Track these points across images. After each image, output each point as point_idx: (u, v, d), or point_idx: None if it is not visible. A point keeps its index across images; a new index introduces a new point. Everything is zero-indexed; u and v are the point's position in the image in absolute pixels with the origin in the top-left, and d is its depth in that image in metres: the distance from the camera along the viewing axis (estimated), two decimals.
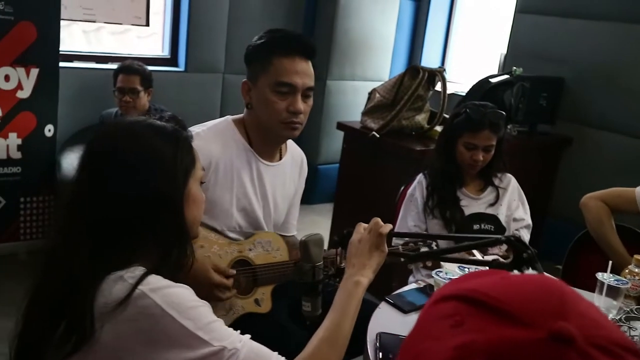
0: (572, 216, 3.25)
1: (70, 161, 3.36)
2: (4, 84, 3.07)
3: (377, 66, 4.81)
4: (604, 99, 3.71)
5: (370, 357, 1.43)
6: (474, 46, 5.01)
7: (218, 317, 1.11)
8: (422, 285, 1.86)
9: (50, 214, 3.41)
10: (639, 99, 3.54)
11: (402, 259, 1.55)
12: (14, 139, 3.19)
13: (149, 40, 4.38)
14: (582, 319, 0.48)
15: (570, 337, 0.45)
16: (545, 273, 1.57)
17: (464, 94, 3.83)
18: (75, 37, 4.29)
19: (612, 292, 1.72)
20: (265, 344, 1.13)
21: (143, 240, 1.09)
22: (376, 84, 3.54)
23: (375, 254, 1.30)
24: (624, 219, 2.35)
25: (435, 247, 1.83)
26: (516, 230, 2.44)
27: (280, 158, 1.88)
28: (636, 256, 1.86)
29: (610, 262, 1.78)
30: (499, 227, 2.38)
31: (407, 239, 1.77)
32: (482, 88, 3.54)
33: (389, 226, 1.34)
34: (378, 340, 1.46)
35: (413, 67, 3.32)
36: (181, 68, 4.14)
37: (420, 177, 2.42)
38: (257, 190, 1.82)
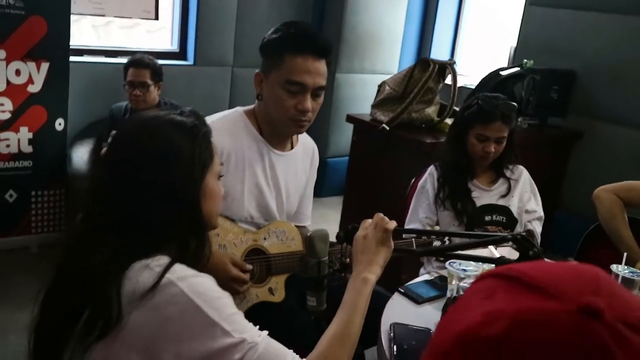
0: (583, 210, 3.24)
1: (80, 155, 3.37)
2: (15, 78, 3.08)
3: (386, 59, 4.79)
4: (615, 93, 3.68)
5: (385, 348, 1.43)
6: (484, 39, 4.98)
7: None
8: (433, 277, 1.85)
9: (61, 207, 3.42)
10: None
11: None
12: (25, 133, 3.20)
13: (158, 34, 4.39)
14: (614, 299, 0.48)
15: (598, 310, 0.45)
16: None
17: (473, 86, 3.81)
18: (84, 31, 4.31)
19: (627, 284, 1.70)
20: (276, 333, 1.14)
21: (162, 232, 1.11)
22: (385, 77, 3.53)
23: (382, 250, 1.31)
24: (636, 212, 2.34)
25: (447, 241, 1.84)
26: (528, 222, 2.43)
27: (292, 147, 1.88)
28: None
29: (625, 253, 1.77)
30: (511, 219, 2.37)
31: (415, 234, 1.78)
32: (493, 81, 3.52)
33: (394, 222, 1.35)
34: (392, 331, 1.46)
35: (423, 59, 3.30)
36: (190, 62, 4.14)
37: (431, 168, 2.42)
38: (270, 180, 1.82)
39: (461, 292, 1.52)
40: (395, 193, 2.84)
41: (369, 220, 1.36)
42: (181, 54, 4.15)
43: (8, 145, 3.17)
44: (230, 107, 3.35)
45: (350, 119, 3.60)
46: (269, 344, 1.08)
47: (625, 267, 1.75)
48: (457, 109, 2.82)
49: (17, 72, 3.08)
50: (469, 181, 2.37)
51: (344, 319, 1.21)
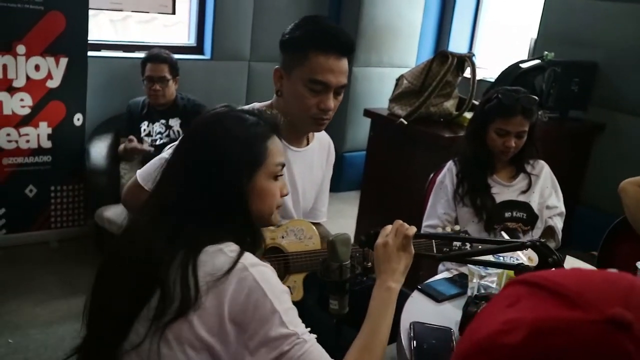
0: (605, 204, 3.20)
1: (98, 150, 3.39)
2: (34, 73, 3.10)
3: (404, 52, 4.75)
4: (637, 84, 3.60)
5: (405, 347, 1.41)
6: (503, 31, 4.91)
7: None
8: (452, 275, 1.82)
9: (80, 202, 3.45)
10: None
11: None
12: (44, 129, 3.22)
13: (175, 29, 4.39)
14: None
15: (626, 322, 0.44)
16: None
17: (492, 79, 3.76)
18: (102, 26, 4.32)
19: None
20: None
21: (222, 225, 1.17)
22: (403, 71, 3.50)
23: (403, 257, 1.33)
24: None
25: (467, 246, 1.82)
26: (549, 218, 2.39)
27: (308, 144, 1.87)
28: None
29: None
30: (531, 215, 2.34)
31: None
32: (513, 73, 3.46)
33: (414, 228, 1.35)
34: (412, 330, 1.44)
35: (442, 52, 3.26)
36: (207, 56, 4.14)
37: (450, 164, 2.39)
38: (286, 177, 1.81)
39: (482, 291, 1.50)
40: (413, 188, 2.81)
41: (389, 227, 1.37)
42: (198, 48, 4.15)
43: (28, 141, 3.20)
44: (247, 101, 3.36)
45: (367, 113, 3.57)
46: (314, 345, 1.13)
47: None
48: (476, 102, 2.78)
49: (37, 68, 3.10)
50: (489, 176, 2.34)
51: (371, 329, 1.23)
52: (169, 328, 1.08)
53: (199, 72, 4.00)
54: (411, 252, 1.34)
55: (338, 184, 4.69)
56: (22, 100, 3.11)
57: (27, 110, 3.14)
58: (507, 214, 2.33)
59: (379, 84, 4.58)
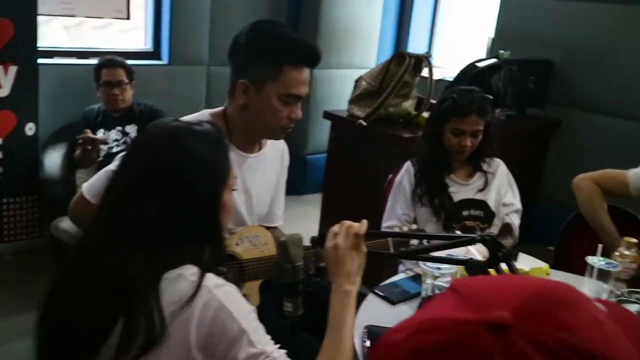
0: (563, 200, 3.23)
1: (53, 159, 3.31)
2: None
3: (364, 54, 4.76)
4: (593, 81, 3.68)
5: (357, 351, 1.40)
6: (462, 31, 4.96)
7: None
8: (410, 275, 1.82)
9: (34, 214, 3.35)
10: (628, 80, 3.51)
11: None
12: None
13: (131, 34, 4.32)
14: (539, 317, 0.46)
15: (501, 324, 0.45)
16: (521, 270, 1.53)
17: (452, 79, 3.79)
18: (56, 32, 4.22)
19: (603, 275, 1.69)
20: None
21: (184, 242, 1.14)
22: (363, 72, 3.50)
23: (356, 257, 1.30)
24: (616, 200, 2.33)
25: (425, 242, 1.82)
26: (506, 215, 2.42)
27: (260, 149, 1.85)
28: (626, 238, 1.84)
29: (600, 245, 1.75)
30: (489, 213, 2.36)
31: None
32: (470, 73, 3.50)
33: (364, 225, 1.33)
34: (366, 334, 1.43)
35: (399, 53, 3.28)
36: (165, 61, 4.08)
37: (407, 164, 2.39)
38: (239, 184, 1.78)
39: (436, 291, 1.50)
40: (375, 188, 2.81)
41: (336, 228, 1.34)
42: (155, 53, 4.09)
43: None
44: (206, 106, 3.31)
45: (327, 115, 3.57)
46: None
47: (601, 258, 1.73)
48: (435, 102, 2.80)
49: None
50: (446, 176, 2.35)
51: (335, 337, 1.22)
52: None
53: (157, 77, 3.94)
54: (363, 250, 1.31)
55: (301, 187, 4.68)
56: None
57: None
58: (465, 213, 2.34)
59: (340, 85, 4.58)
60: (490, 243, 1.05)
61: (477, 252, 1.84)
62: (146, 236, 1.11)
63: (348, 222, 1.33)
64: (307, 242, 1.43)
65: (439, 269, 1.52)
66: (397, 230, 2.13)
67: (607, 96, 3.61)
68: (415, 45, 4.95)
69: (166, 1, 4.01)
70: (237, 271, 1.71)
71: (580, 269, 1.80)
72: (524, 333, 0.44)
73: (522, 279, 0.53)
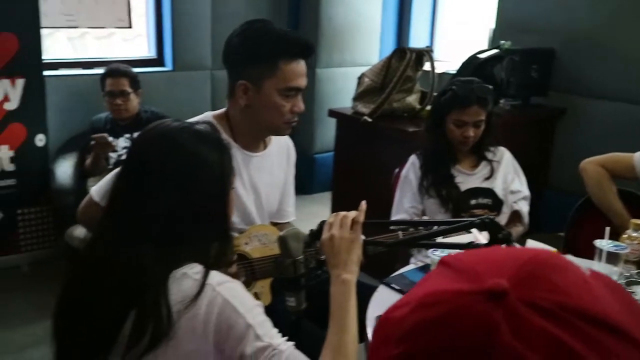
0: (571, 187, 3.24)
1: (64, 169, 3.35)
2: None
3: (366, 50, 4.77)
4: (595, 67, 3.67)
5: (370, 340, 1.42)
6: (463, 23, 4.97)
7: None
8: (418, 266, 1.84)
9: (49, 224, 3.40)
10: (631, 65, 3.50)
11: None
12: (5, 151, 3.18)
13: (135, 43, 4.36)
14: (534, 282, 0.48)
15: (499, 291, 0.46)
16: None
17: (454, 72, 3.80)
18: (61, 44, 4.28)
19: (612, 258, 1.71)
20: None
21: (194, 240, 1.17)
22: (365, 69, 3.52)
23: (352, 247, 1.29)
24: (624, 183, 2.34)
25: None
26: (514, 202, 2.43)
27: (265, 147, 1.87)
28: (634, 220, 1.85)
29: (608, 228, 1.76)
30: (496, 201, 2.37)
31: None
32: (472, 65, 3.50)
33: (362, 212, 1.33)
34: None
35: (399, 48, 3.30)
36: (169, 67, 4.12)
37: (413, 158, 2.41)
38: (246, 183, 1.81)
39: None
40: (383, 184, 2.83)
41: (331, 219, 1.34)
42: (159, 60, 4.12)
43: None
44: (213, 110, 3.34)
45: (332, 113, 3.59)
46: (292, 353, 1.13)
47: (610, 241, 1.74)
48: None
49: None
50: (452, 167, 2.37)
51: (338, 327, 1.22)
52: None
53: (162, 84, 3.98)
54: (360, 239, 1.31)
55: (310, 186, 4.70)
56: None
57: None
58: (473, 202, 2.36)
59: (344, 83, 4.59)
60: (490, 225, 1.07)
61: (484, 238, 1.86)
62: (156, 233, 1.13)
63: (343, 213, 1.34)
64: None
65: None
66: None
67: (610, 82, 3.60)
68: (417, 39, 4.96)
69: (167, 8, 4.04)
70: (247, 270, 1.74)
71: (590, 253, 1.81)
72: (522, 298, 0.46)
73: (512, 250, 0.55)
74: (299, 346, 1.18)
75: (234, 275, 1.67)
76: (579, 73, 3.73)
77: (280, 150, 1.96)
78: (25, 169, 3.25)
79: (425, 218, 2.12)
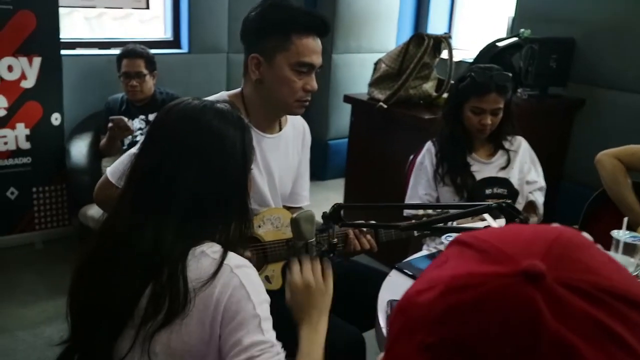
0: (588, 179, 3.20)
1: (79, 149, 3.36)
2: (7, 74, 3.07)
3: (383, 36, 4.73)
4: (616, 58, 3.60)
5: (382, 327, 1.41)
6: (482, 10, 4.90)
7: None
8: (431, 252, 1.82)
9: (63, 202, 3.42)
10: None
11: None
12: (22, 130, 3.19)
13: (152, 24, 4.35)
14: (563, 261, 0.46)
15: (537, 274, 0.44)
16: None
17: (472, 60, 3.76)
18: (77, 24, 4.27)
19: (629, 249, 1.68)
20: (277, 321, 1.16)
21: (215, 218, 1.17)
22: (382, 55, 3.48)
23: (327, 297, 1.28)
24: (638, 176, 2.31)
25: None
26: (530, 193, 2.40)
27: (280, 129, 1.86)
28: None
29: (626, 218, 1.74)
30: (512, 191, 2.35)
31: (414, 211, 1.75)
32: (490, 53, 3.46)
33: (330, 268, 1.30)
34: (389, 308, 1.44)
35: (418, 34, 3.26)
36: (185, 50, 4.11)
37: (428, 144, 2.39)
38: (260, 164, 1.80)
39: None
40: (397, 171, 2.81)
41: (296, 265, 1.30)
42: (175, 42, 4.11)
43: (6, 143, 3.17)
44: None
45: (347, 99, 3.56)
46: (282, 358, 1.13)
47: (627, 232, 1.72)
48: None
49: (10, 68, 3.06)
50: (468, 155, 2.35)
51: None
52: (157, 340, 1.07)
53: (177, 66, 3.97)
54: (330, 291, 1.29)
55: (324, 172, 4.69)
56: None
57: (2, 112, 3.11)
58: (488, 191, 2.34)
59: (360, 69, 4.56)
60: (507, 210, 1.05)
61: (498, 225, 1.84)
62: (178, 209, 1.13)
63: (312, 262, 1.30)
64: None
65: None
66: (421, 211, 2.13)
67: (631, 73, 3.54)
68: (435, 26, 4.90)
69: None
70: (259, 253, 1.74)
71: (605, 246, 1.79)
72: (559, 279, 0.44)
73: (533, 228, 0.52)
74: None
75: (249, 259, 1.68)
76: (599, 64, 3.67)
77: (296, 133, 1.95)
78: (40, 147, 3.26)
79: (430, 210, 2.10)
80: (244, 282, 1.10)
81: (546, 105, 3.76)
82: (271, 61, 1.68)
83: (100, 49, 3.82)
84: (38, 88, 3.16)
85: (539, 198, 2.41)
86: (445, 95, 3.24)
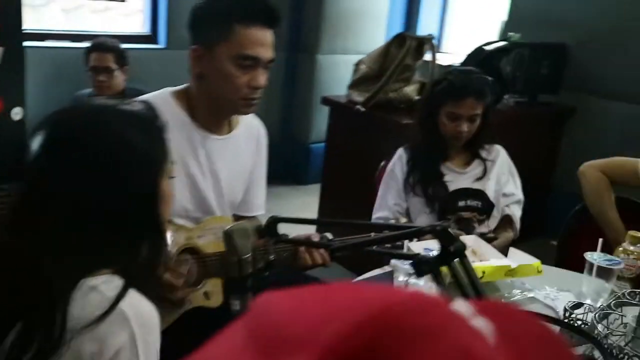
0: (578, 190, 3.05)
1: None
2: None
3: (371, 37, 4.57)
4: (610, 66, 3.47)
5: None
6: (475, 13, 4.75)
7: (162, 311, 1.01)
8: (388, 270, 1.66)
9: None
10: None
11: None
12: None
13: (131, 18, 4.21)
14: None
15: None
16: (506, 267, 1.37)
17: (460, 64, 3.60)
18: (55, 16, 4.13)
19: (603, 273, 1.52)
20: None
21: (112, 239, 1.00)
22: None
23: None
24: (623, 189, 2.15)
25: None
26: (506, 206, 2.25)
27: (230, 130, 1.70)
28: (631, 232, 1.66)
29: (601, 240, 1.58)
30: (487, 203, 2.19)
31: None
32: (477, 56, 3.31)
33: None
34: None
35: (400, 35, 3.11)
36: (162, 45, 3.95)
37: (400, 151, 2.24)
38: (204, 167, 1.65)
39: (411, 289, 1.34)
40: (374, 177, 2.67)
41: None
42: (152, 37, 3.96)
43: None
44: None
45: (326, 101, 3.42)
46: None
47: (602, 254, 1.56)
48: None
49: None
50: (441, 163, 2.19)
51: None
52: None
53: (154, 61, 3.81)
54: None
55: (305, 176, 4.54)
56: None
57: None
58: (461, 203, 2.18)
59: (346, 71, 4.36)
60: (442, 234, 0.89)
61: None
62: (62, 233, 0.96)
63: None
64: None
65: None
66: (391, 222, 1.98)
67: (625, 82, 3.39)
68: (425, 29, 4.75)
69: None
70: (199, 266, 1.58)
71: (582, 267, 1.63)
72: None
73: (354, 295, 0.33)
74: None
75: (183, 275, 1.52)
76: (592, 71, 3.53)
77: (250, 135, 1.79)
78: (0, 142, 3.10)
79: (404, 219, 1.95)
80: (137, 340, 0.92)
81: (535, 113, 3.62)
82: (212, 53, 1.52)
83: (72, 41, 3.66)
84: None
85: (516, 212, 2.26)
86: None
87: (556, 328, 1.26)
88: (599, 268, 1.52)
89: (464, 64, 3.41)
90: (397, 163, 2.22)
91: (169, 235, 1.54)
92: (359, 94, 3.15)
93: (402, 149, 2.25)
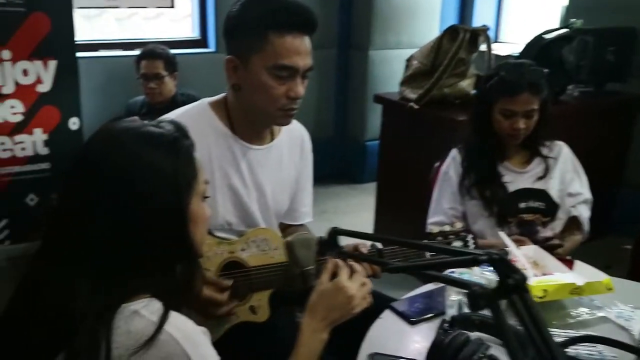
0: None
1: None
2: (22, 78, 2.98)
3: (424, 31, 4.43)
4: None
5: None
6: (533, 0, 4.53)
7: (207, 327, 0.97)
8: (439, 286, 1.53)
9: None
10: None
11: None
12: (39, 135, 3.11)
13: (182, 23, 4.24)
14: None
15: None
16: (572, 285, 1.27)
17: (518, 54, 3.42)
18: (109, 25, 4.22)
19: None
20: (262, 358, 1.01)
21: (143, 262, 0.96)
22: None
23: (349, 314, 1.20)
24: None
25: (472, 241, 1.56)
26: (573, 206, 2.10)
27: (272, 139, 1.64)
28: None
29: None
30: (551, 204, 2.06)
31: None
32: (536, 46, 3.12)
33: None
34: None
35: (452, 27, 2.97)
36: (212, 49, 3.96)
37: (453, 152, 2.13)
38: (247, 179, 1.59)
39: (464, 310, 1.24)
40: (429, 178, 2.56)
41: (343, 268, 1.20)
42: (202, 41, 3.97)
43: (23, 149, 3.09)
44: None
45: (378, 99, 3.32)
46: None
47: None
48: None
49: (25, 72, 2.97)
50: (499, 164, 2.07)
51: None
52: None
53: (204, 66, 3.82)
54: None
55: (361, 175, 4.47)
56: (12, 107, 2.99)
57: (19, 117, 3.02)
58: (522, 205, 2.05)
59: (399, 67, 4.23)
60: (499, 265, 0.79)
61: (523, 255, 1.57)
62: (93, 262, 0.93)
63: (361, 270, 1.23)
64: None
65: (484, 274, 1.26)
66: (446, 227, 1.88)
67: None
68: (481, 19, 4.57)
69: None
70: (243, 280, 1.53)
71: None
72: None
73: None
74: None
75: (228, 288, 1.47)
76: None
77: (292, 142, 1.72)
78: (59, 152, 3.17)
79: (459, 225, 1.84)
80: (191, 357, 0.90)
81: (602, 103, 3.39)
82: (247, 64, 1.45)
83: (124, 50, 3.71)
84: (54, 92, 3.06)
85: (584, 212, 2.10)
86: None
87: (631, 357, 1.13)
88: None
89: (522, 53, 3.23)
90: (451, 165, 2.11)
91: (209, 250, 1.50)
92: (411, 91, 3.04)
93: (455, 149, 2.13)
